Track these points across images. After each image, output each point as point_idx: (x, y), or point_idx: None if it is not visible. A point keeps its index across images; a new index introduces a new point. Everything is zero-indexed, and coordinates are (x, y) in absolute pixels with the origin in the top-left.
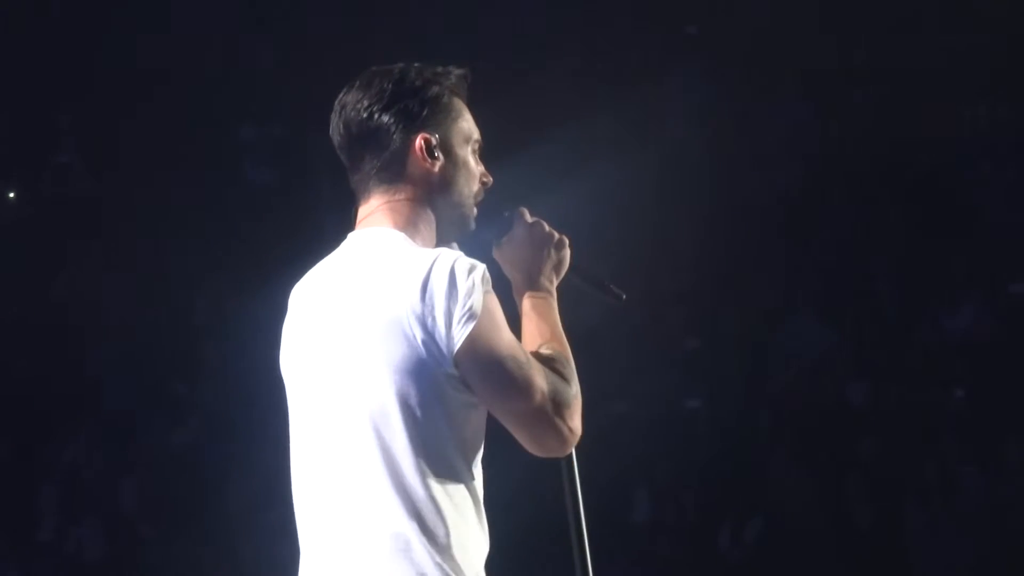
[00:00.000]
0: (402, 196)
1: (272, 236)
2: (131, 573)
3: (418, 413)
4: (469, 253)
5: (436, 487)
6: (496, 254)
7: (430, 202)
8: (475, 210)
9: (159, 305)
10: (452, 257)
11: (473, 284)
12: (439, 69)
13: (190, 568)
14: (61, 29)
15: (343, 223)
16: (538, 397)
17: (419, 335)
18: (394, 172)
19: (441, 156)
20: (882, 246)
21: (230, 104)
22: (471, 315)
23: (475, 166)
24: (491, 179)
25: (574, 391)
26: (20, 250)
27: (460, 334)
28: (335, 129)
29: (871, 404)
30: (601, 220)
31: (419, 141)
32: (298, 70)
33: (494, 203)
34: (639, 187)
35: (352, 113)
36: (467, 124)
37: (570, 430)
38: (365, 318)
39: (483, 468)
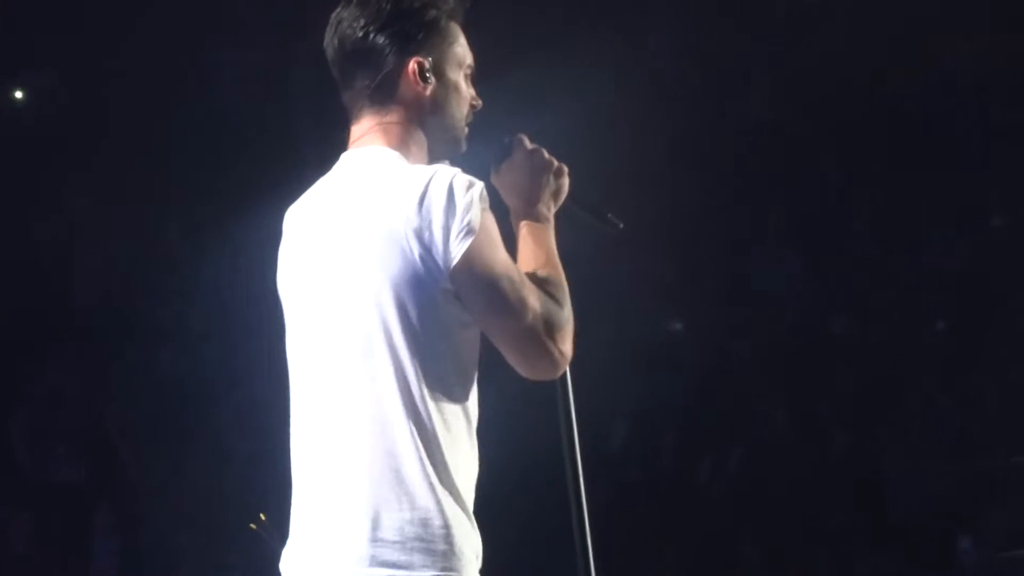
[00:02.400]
0: (393, 117)
1: (252, 164)
2: (110, 495)
3: (417, 328)
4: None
5: (431, 404)
6: (495, 179)
7: (421, 124)
8: (465, 131)
9: (138, 233)
10: (450, 173)
11: (472, 200)
12: None
13: (169, 494)
14: None
15: (322, 153)
16: (530, 317)
17: (416, 249)
18: (386, 93)
19: (433, 80)
20: (858, 180)
21: (212, 28)
22: (469, 230)
23: (466, 90)
24: (480, 103)
25: (566, 314)
26: None
27: (457, 249)
28: (329, 43)
29: (850, 335)
30: (576, 149)
31: (412, 64)
32: None
33: (492, 130)
34: (616, 117)
35: (348, 30)
36: (461, 49)
37: (560, 353)
38: (362, 234)
39: (478, 393)
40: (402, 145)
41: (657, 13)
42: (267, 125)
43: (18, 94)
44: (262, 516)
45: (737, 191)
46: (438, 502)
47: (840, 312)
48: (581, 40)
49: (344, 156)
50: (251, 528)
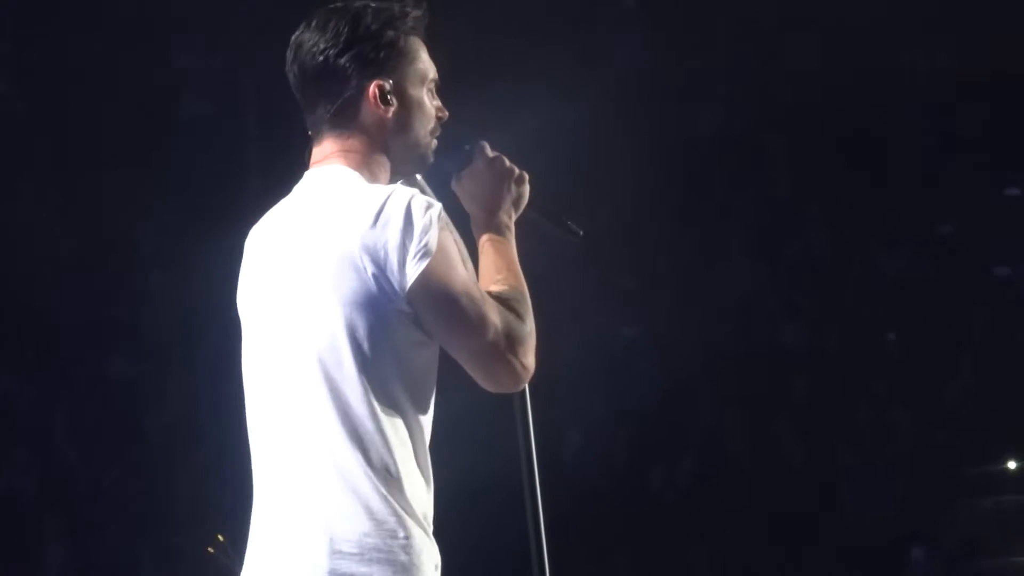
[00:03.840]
0: (355, 141)
1: (205, 168)
2: (60, 501)
3: (365, 348)
4: (429, 184)
5: (384, 421)
6: (456, 187)
7: (384, 146)
8: (432, 146)
9: (91, 238)
10: (408, 194)
11: (430, 221)
12: (396, 11)
13: (121, 499)
14: None
15: (267, 157)
16: (491, 334)
17: (370, 269)
18: (348, 117)
19: (395, 101)
20: (815, 189)
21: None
22: (426, 252)
23: (430, 105)
24: (447, 114)
25: (528, 328)
26: None
27: (414, 271)
28: (289, 68)
29: (803, 345)
30: (537, 161)
31: (373, 88)
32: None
33: (454, 136)
34: (577, 128)
35: (307, 57)
36: (423, 65)
37: (523, 366)
38: (317, 252)
39: (435, 410)
40: (363, 167)
41: (620, 26)
42: (225, 134)
43: None
44: (220, 537)
45: (694, 201)
46: (395, 514)
47: (794, 321)
48: (544, 52)
49: (307, 175)
50: (209, 552)
